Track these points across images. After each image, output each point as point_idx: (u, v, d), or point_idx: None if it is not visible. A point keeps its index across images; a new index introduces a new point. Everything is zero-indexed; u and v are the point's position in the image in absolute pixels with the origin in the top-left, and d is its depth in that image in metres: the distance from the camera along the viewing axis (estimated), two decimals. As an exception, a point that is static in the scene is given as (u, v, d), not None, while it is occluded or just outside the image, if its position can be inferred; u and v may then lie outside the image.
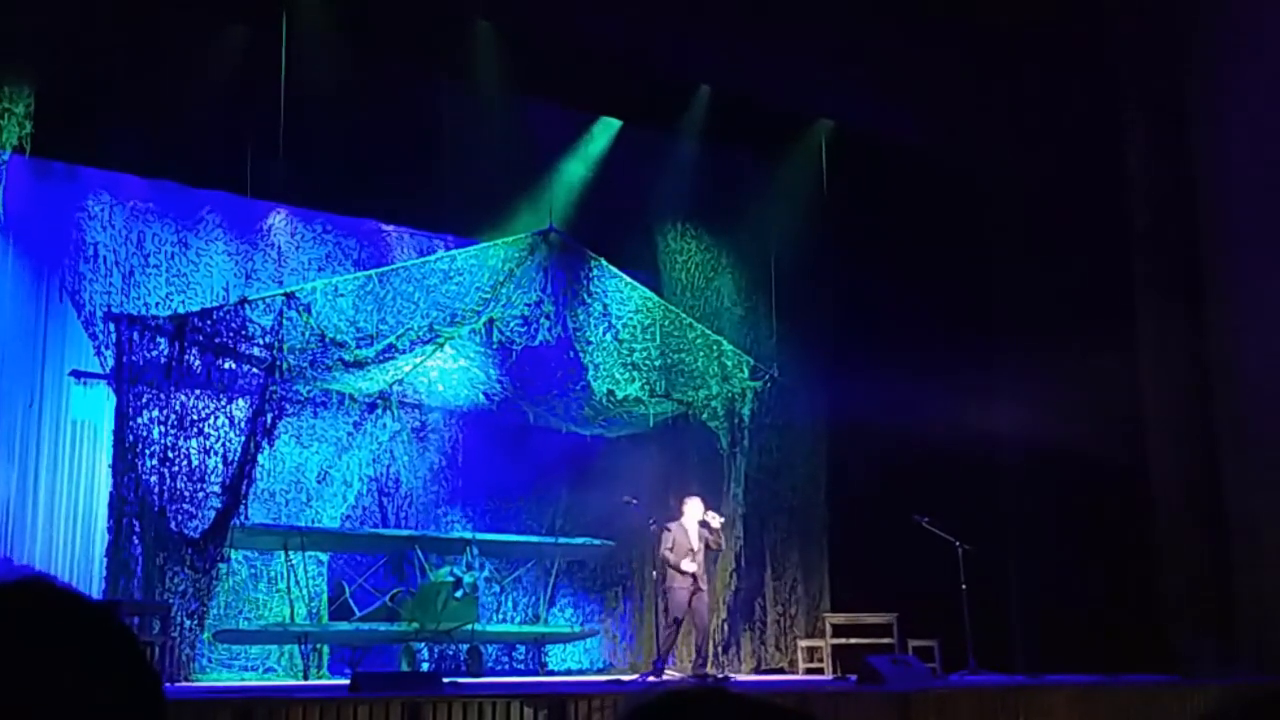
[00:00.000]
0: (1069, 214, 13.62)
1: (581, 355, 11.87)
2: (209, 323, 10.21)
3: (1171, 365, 13.11)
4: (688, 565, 10.49)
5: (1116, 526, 12.83)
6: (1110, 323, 13.28)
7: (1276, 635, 11.91)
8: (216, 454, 10.22)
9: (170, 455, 9.94)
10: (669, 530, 10.63)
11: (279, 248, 12.17)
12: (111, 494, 9.82)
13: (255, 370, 10.56)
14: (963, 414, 12.80)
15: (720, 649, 12.46)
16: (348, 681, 7.85)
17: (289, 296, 10.51)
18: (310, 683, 10.41)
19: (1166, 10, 13.60)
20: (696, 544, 10.65)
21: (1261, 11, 13.10)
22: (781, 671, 12.70)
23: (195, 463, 10.09)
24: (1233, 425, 12.87)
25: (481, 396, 12.64)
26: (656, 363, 12.17)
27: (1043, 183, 13.93)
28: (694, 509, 10.77)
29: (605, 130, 13.33)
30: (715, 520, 10.75)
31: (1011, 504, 13.98)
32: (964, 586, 10.54)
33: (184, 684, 9.26)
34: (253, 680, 10.80)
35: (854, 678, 9.43)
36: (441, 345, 11.52)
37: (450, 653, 11.83)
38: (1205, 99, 13.52)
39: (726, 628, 12.57)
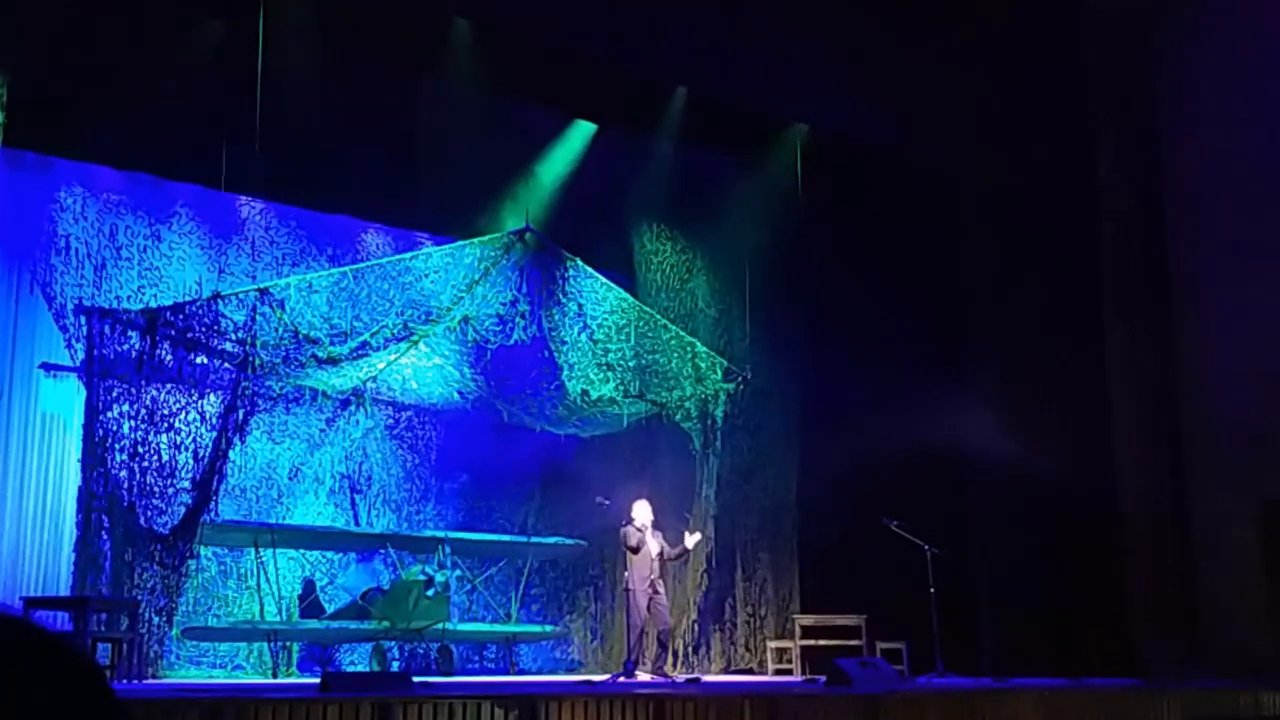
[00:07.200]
0: (1042, 219, 13.75)
1: (556, 355, 11.88)
2: (181, 317, 10.13)
3: (1139, 372, 13.26)
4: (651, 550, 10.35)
5: (1083, 532, 12.96)
6: (1080, 329, 13.42)
7: (1239, 640, 12.07)
8: (187, 449, 10.13)
9: (140, 450, 9.86)
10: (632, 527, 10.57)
11: (253, 242, 12.09)
12: (80, 488, 9.72)
13: (227, 366, 10.49)
14: (933, 418, 12.89)
15: (690, 649, 12.50)
16: (317, 680, 7.83)
17: (262, 292, 10.45)
18: (280, 681, 10.35)
19: (1136, 21, 13.74)
20: (654, 547, 10.62)
21: (1230, 22, 13.26)
22: (750, 672, 12.75)
23: (165, 458, 10.00)
24: (1198, 432, 13.02)
25: (456, 395, 12.63)
26: (631, 363, 12.19)
27: (1016, 188, 14.06)
28: (641, 512, 10.62)
29: (582, 131, 13.33)
30: (690, 540, 10.71)
31: (980, 508, 14.10)
32: (932, 590, 10.62)
33: (152, 681, 9.20)
34: (221, 678, 10.74)
35: (822, 679, 9.47)
36: (416, 343, 11.50)
37: (421, 652, 11.80)
38: (1175, 108, 13.68)
39: (696, 628, 12.61)
